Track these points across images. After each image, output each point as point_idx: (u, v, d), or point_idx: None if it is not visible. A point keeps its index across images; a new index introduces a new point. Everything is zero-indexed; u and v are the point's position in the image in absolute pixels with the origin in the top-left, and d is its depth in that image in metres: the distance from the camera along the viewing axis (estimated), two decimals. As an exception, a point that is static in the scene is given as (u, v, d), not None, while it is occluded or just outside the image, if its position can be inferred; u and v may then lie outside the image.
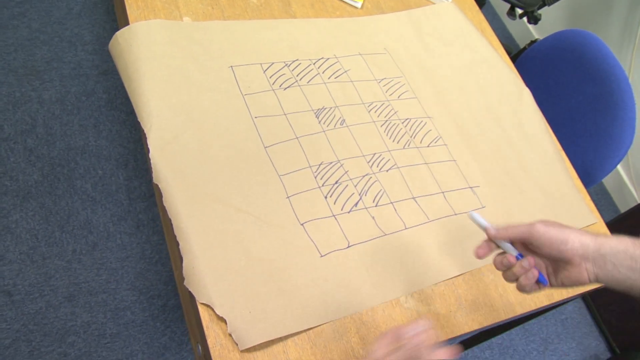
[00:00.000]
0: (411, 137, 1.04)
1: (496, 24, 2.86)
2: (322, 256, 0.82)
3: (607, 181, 2.46)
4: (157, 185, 0.81)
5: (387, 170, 0.97)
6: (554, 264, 0.71)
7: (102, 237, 1.55)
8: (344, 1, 1.20)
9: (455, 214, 0.97)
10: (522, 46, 2.80)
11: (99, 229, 1.56)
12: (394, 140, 1.02)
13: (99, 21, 1.96)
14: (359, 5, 1.21)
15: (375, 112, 1.04)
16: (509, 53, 1.35)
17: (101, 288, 1.48)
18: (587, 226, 1.08)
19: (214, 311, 0.73)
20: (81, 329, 1.42)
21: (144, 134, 0.86)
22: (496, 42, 1.34)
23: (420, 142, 1.04)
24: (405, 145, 1.02)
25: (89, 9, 1.96)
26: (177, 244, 0.77)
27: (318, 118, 0.98)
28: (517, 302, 0.95)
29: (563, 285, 0.71)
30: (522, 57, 1.56)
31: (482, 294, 0.93)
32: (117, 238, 1.56)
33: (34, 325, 1.39)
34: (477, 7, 1.42)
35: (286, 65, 1.03)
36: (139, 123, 0.88)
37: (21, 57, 1.77)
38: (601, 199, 2.41)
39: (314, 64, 1.05)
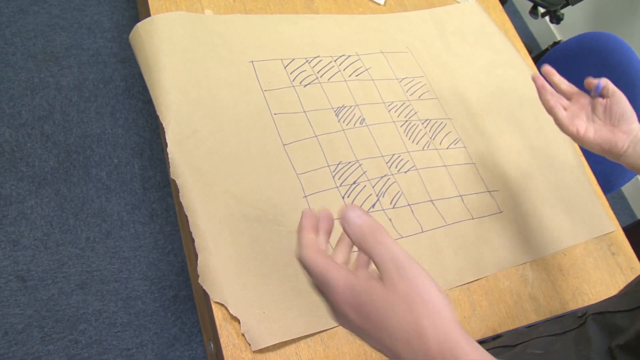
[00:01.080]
0: (431, 138, 1.02)
1: (517, 22, 2.82)
2: None
3: (625, 186, 2.43)
4: (174, 181, 0.81)
5: (405, 172, 0.96)
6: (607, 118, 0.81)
7: (116, 225, 1.56)
8: (366, -3, 1.19)
9: (473, 218, 0.96)
10: (543, 45, 2.77)
11: (112, 218, 1.57)
12: (413, 141, 1.00)
13: (119, 8, 1.95)
14: (382, 2, 1.19)
15: (395, 111, 1.02)
16: (529, 52, 1.33)
17: (113, 277, 1.49)
18: (606, 234, 1.07)
19: (227, 310, 0.72)
20: (92, 316, 1.43)
21: (162, 128, 0.86)
22: (519, 43, 1.32)
23: (440, 143, 1.02)
24: (424, 146, 1.01)
25: (109, -4, 1.97)
26: (193, 240, 0.77)
27: (338, 116, 0.97)
28: (532, 309, 0.93)
29: (599, 137, 0.81)
30: (544, 59, 1.54)
31: (497, 300, 0.92)
32: (130, 227, 1.57)
33: (47, 312, 1.40)
34: (500, 6, 1.40)
35: (307, 61, 1.02)
36: (157, 117, 0.88)
37: (40, 43, 1.78)
38: (618, 203, 2.38)
39: (335, 60, 1.04)
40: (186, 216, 0.78)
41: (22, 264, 1.43)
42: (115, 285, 1.48)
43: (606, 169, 1.28)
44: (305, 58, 1.02)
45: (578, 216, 1.05)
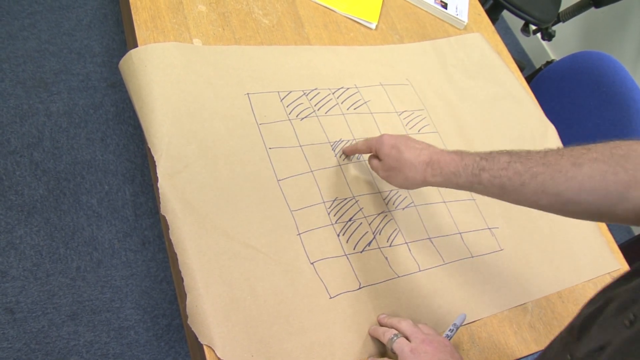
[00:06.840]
0: None
1: (509, 39, 2.83)
2: (331, 298, 0.78)
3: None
4: (164, 217, 0.79)
5: (403, 209, 0.93)
6: None
7: (107, 254, 1.53)
8: (357, 22, 1.18)
9: (472, 257, 0.93)
10: (535, 62, 2.77)
11: (104, 246, 1.54)
12: None
13: (109, 33, 1.94)
14: (373, 26, 1.18)
15: None
16: (521, 69, 1.32)
17: (105, 307, 1.46)
18: (611, 272, 1.05)
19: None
20: (84, 348, 1.39)
21: (153, 161, 0.84)
22: (513, 64, 1.31)
23: None
24: None
25: (98, 21, 1.95)
26: (182, 279, 0.74)
27: (335, 151, 0.94)
28: (532, 339, 0.91)
29: None
30: (537, 78, 1.53)
31: (497, 331, 0.89)
32: (122, 255, 1.54)
33: (36, 345, 1.36)
34: (492, 27, 1.39)
35: (304, 94, 0.99)
36: (148, 147, 0.85)
37: (30, 69, 1.76)
38: (614, 219, 2.36)
39: (333, 93, 1.02)
40: (176, 254, 0.76)
41: (10, 296, 1.40)
42: (107, 315, 1.45)
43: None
44: (303, 90, 1.00)
45: (581, 254, 1.03)
